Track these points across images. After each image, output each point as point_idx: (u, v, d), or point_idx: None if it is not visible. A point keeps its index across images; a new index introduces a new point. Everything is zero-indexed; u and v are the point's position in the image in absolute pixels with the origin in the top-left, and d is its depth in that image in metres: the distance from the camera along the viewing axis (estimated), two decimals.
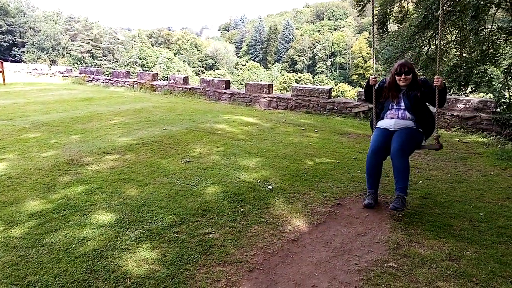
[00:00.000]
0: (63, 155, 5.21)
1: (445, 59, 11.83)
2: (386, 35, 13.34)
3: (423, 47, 11.39)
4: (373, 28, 4.78)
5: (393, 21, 13.46)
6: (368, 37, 79.07)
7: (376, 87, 4.13)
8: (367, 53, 76.46)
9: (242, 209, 3.83)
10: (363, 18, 76.33)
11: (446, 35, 11.47)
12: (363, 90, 4.34)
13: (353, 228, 3.64)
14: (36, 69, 20.42)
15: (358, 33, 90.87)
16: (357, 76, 78.31)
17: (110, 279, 2.64)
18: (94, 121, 7.41)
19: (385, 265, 2.95)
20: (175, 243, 3.14)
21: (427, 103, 4.02)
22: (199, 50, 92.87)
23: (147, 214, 3.61)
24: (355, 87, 63.52)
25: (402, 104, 3.91)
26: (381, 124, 4.01)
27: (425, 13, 9.70)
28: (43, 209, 3.65)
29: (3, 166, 4.75)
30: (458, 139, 7.21)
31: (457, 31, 11.12)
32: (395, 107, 3.95)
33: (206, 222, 3.53)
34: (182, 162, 5.17)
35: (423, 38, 11.00)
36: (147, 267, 2.80)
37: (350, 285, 2.71)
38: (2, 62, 15.19)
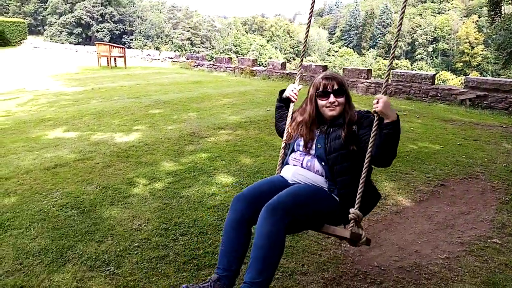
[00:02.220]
0: (185, 128, 6.02)
1: None
2: (499, 18, 12.20)
3: None
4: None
5: (508, 1, 12.21)
6: (478, 20, 71.47)
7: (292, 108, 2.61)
8: (475, 39, 69.46)
9: None
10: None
11: None
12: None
13: (456, 207, 3.76)
14: (149, 54, 22.68)
15: (465, 16, 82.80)
16: (461, 64, 71.78)
17: None
18: (206, 101, 8.25)
19: (489, 241, 3.08)
20: None
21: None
22: (291, 37, 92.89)
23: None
24: (458, 76, 58.43)
25: (314, 147, 2.33)
26: (283, 172, 2.47)
27: None
28: (176, 169, 4.38)
29: (140, 135, 5.68)
30: None
31: None
32: (301, 149, 2.39)
33: None
34: None
35: None
36: None
37: (452, 254, 2.91)
38: (124, 48, 17.17)
